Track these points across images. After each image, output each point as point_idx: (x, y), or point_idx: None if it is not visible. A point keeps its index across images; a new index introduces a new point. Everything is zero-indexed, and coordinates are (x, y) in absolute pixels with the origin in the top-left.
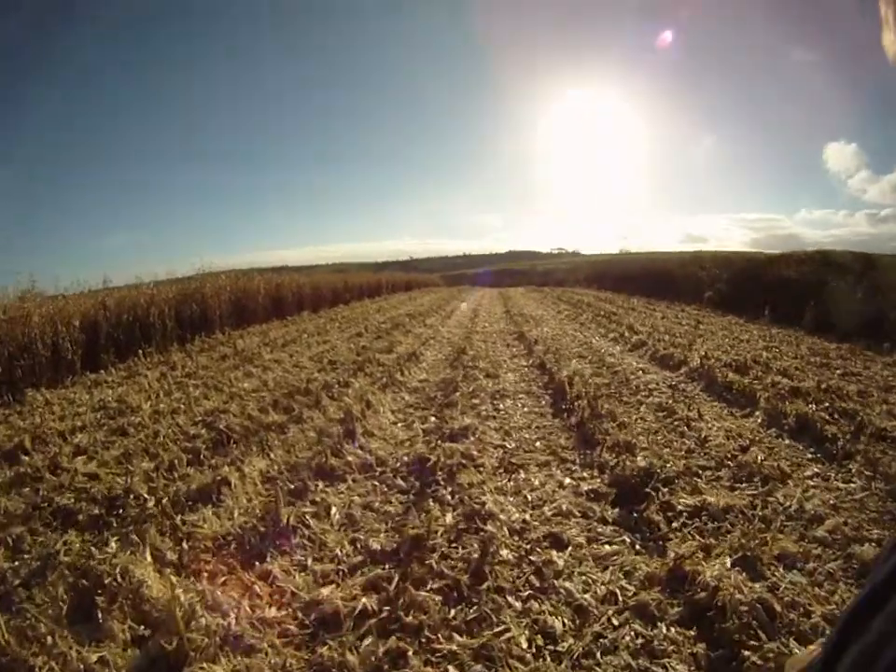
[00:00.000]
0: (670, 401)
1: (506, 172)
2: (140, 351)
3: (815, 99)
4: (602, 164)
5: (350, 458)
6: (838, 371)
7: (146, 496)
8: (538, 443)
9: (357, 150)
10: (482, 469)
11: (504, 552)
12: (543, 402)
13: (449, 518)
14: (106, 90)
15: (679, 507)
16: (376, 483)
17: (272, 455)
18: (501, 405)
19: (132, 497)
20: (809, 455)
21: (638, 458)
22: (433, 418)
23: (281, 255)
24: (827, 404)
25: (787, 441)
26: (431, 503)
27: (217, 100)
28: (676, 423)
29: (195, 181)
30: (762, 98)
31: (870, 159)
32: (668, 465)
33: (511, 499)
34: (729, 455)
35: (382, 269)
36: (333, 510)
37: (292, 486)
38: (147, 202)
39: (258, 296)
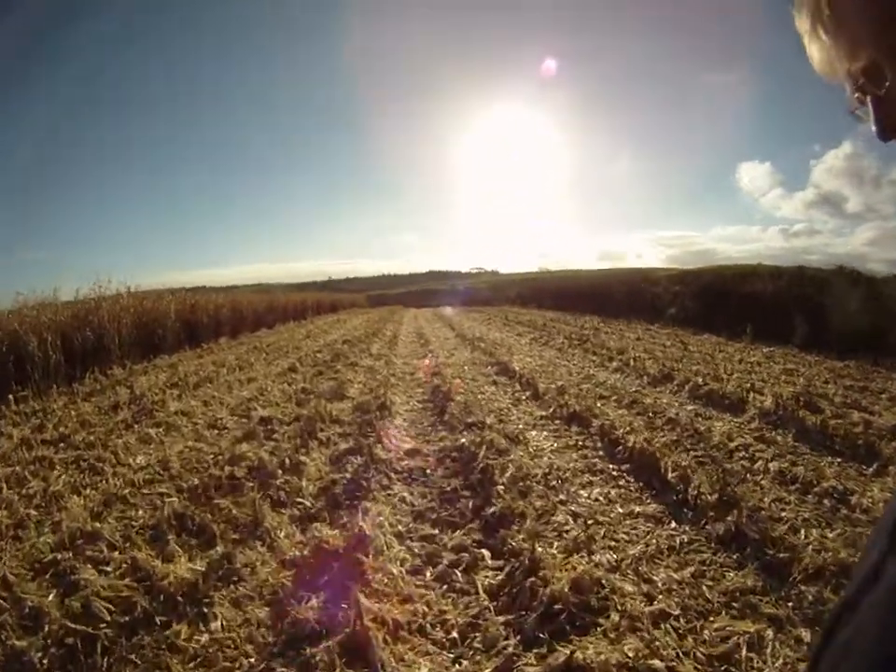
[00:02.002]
0: (787, 465)
1: (424, 192)
2: (11, 396)
3: (729, 119)
4: (519, 185)
5: None
6: (884, 396)
7: None
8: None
9: (276, 166)
10: None
11: None
12: (643, 494)
13: None
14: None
15: None
16: None
17: None
18: (576, 505)
19: None
20: None
21: None
22: (487, 554)
23: (199, 275)
24: None
25: None
26: None
27: (124, 105)
28: (837, 506)
29: (96, 194)
30: (676, 119)
31: (783, 177)
32: None
33: None
34: None
35: (302, 290)
36: None
37: None
38: (47, 214)
39: (167, 319)
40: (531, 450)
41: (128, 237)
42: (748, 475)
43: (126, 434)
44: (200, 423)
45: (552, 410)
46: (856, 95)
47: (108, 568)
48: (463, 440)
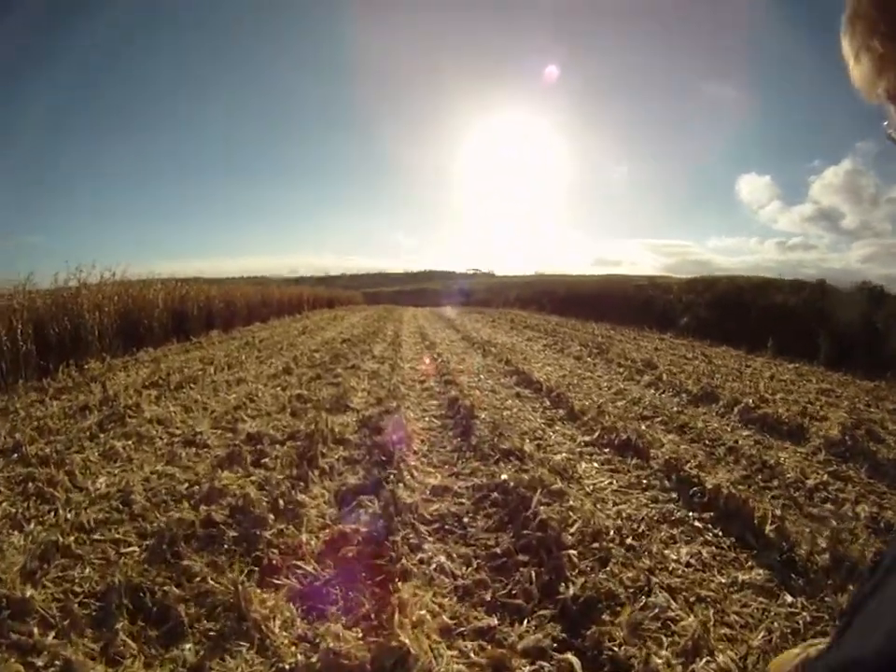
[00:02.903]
0: (875, 509)
1: (421, 193)
2: None
3: (730, 131)
4: (515, 189)
5: None
6: None
7: None
8: None
9: (277, 160)
10: None
11: None
12: (739, 554)
13: None
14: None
15: None
16: None
17: None
18: (667, 574)
19: None
20: None
21: None
22: (577, 663)
23: (192, 266)
24: None
25: None
26: None
27: (124, 97)
28: None
29: (92, 183)
30: (678, 129)
31: (782, 190)
32: None
33: None
34: None
35: (299, 284)
36: None
37: None
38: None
39: (154, 310)
40: (588, 490)
41: (121, 226)
42: (838, 522)
43: (89, 447)
44: (176, 434)
45: (596, 435)
46: None
47: (39, 662)
48: (503, 475)
